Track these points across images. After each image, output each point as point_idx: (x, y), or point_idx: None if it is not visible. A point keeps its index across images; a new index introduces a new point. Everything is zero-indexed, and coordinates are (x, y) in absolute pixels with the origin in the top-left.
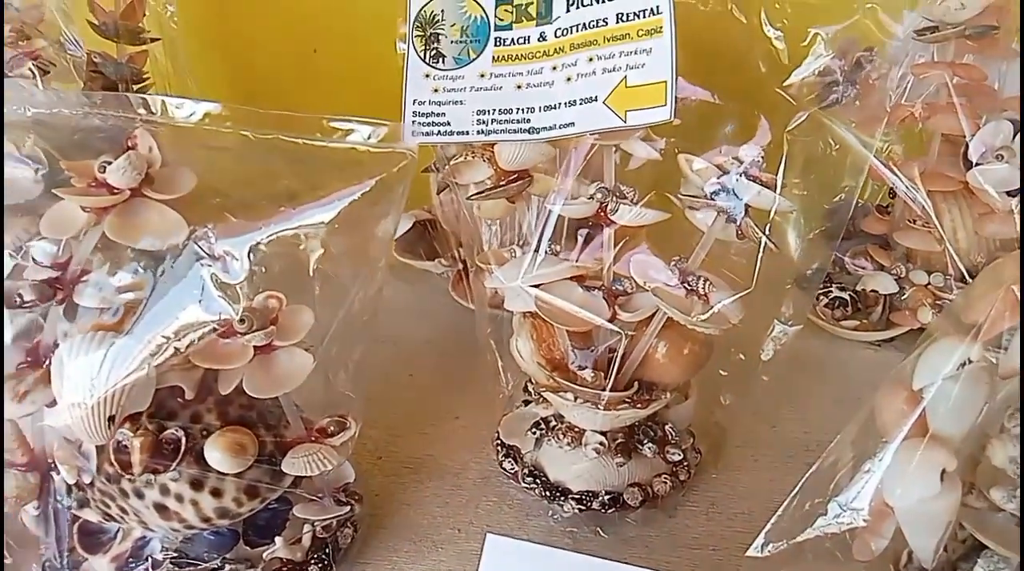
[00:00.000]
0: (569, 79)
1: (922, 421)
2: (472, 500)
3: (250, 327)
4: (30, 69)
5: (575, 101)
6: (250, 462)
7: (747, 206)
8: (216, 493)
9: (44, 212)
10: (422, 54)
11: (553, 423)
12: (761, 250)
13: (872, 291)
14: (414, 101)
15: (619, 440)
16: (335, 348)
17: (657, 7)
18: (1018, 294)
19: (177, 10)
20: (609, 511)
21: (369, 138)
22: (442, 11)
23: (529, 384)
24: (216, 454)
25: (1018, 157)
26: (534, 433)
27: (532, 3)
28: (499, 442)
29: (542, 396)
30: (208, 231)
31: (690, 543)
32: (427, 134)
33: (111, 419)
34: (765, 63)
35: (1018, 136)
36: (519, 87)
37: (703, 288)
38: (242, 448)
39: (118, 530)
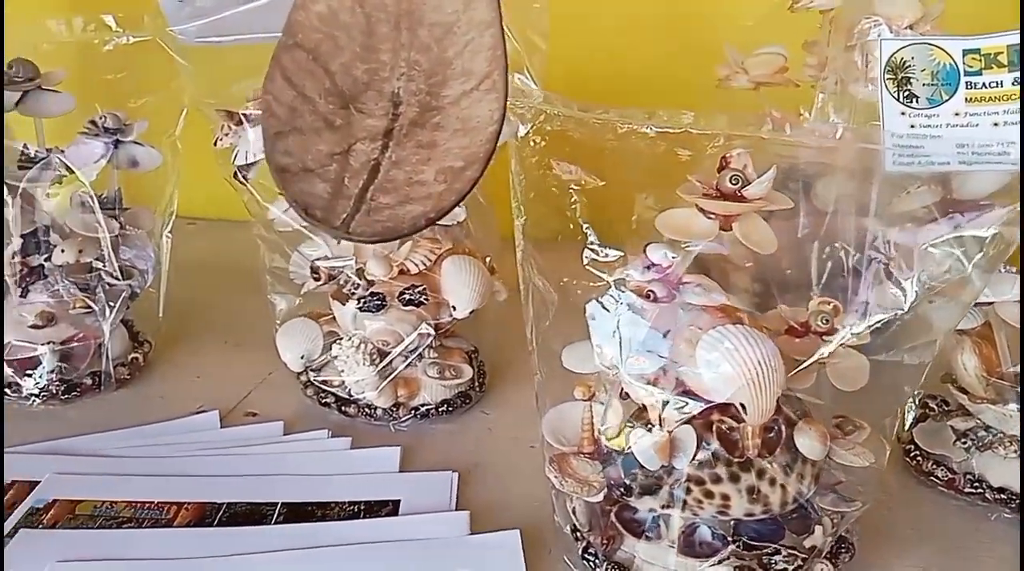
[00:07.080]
0: None
1: None
2: (910, 506)
3: (831, 328)
4: None
5: None
6: (828, 449)
7: None
8: (800, 478)
9: None
10: (895, 94)
11: (982, 433)
12: None
13: None
14: (892, 135)
15: None
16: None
17: None
18: None
19: None
20: None
21: None
22: (912, 57)
23: (930, 400)
24: (807, 441)
25: None
26: (963, 443)
27: (1002, 53)
28: (918, 452)
29: (963, 409)
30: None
31: None
32: (908, 164)
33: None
34: None
35: None
36: (995, 124)
37: None
38: (826, 436)
39: (656, 517)
